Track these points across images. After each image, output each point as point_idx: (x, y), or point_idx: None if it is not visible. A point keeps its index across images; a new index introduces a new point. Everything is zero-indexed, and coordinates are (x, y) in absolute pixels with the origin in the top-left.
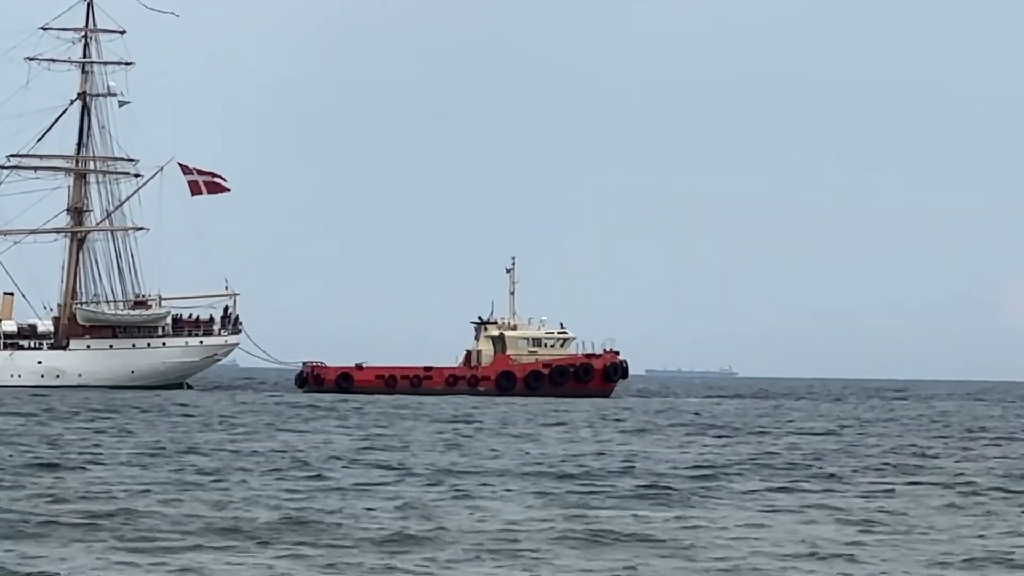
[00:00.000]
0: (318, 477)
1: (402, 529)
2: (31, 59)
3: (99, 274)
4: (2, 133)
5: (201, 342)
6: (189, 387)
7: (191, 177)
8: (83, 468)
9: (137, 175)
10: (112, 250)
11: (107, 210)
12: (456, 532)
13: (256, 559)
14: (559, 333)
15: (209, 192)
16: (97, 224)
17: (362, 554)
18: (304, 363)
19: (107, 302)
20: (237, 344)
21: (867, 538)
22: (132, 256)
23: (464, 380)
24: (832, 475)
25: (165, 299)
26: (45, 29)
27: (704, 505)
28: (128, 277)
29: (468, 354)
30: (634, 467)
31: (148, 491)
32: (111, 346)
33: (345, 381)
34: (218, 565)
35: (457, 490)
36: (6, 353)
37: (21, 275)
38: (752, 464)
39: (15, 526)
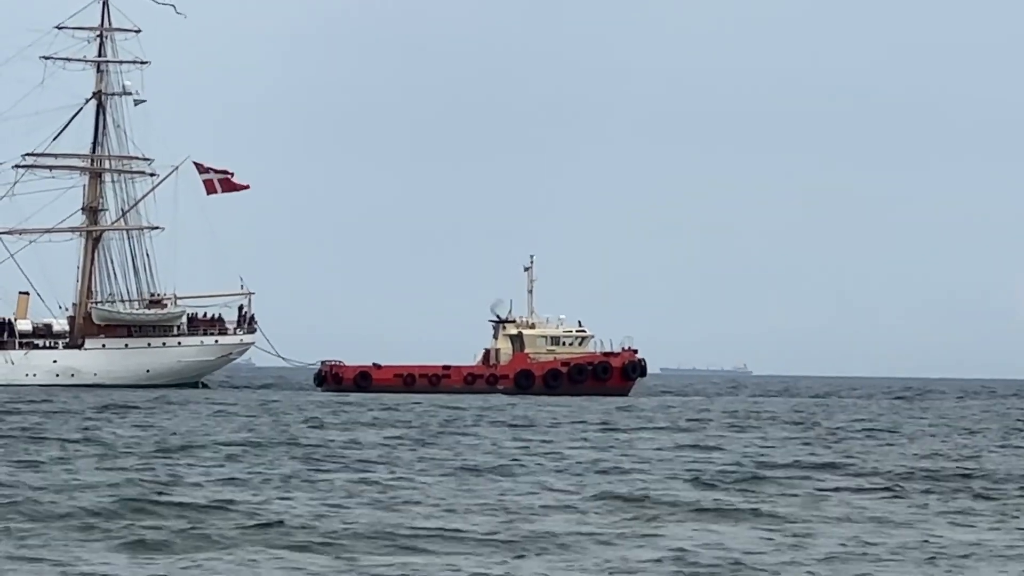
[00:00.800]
0: (364, 474)
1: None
2: (46, 58)
3: (114, 273)
4: (17, 132)
5: (216, 341)
6: (204, 386)
7: (206, 176)
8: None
9: (152, 174)
10: (127, 249)
11: (122, 209)
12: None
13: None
14: (577, 331)
15: (224, 190)
16: (112, 223)
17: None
18: (323, 362)
19: (123, 301)
20: (252, 343)
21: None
22: (148, 255)
23: (483, 379)
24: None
25: (180, 298)
26: (60, 28)
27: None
28: (144, 276)
29: (487, 353)
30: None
31: (208, 485)
32: (126, 345)
33: (364, 380)
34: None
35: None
36: (21, 352)
37: (36, 274)
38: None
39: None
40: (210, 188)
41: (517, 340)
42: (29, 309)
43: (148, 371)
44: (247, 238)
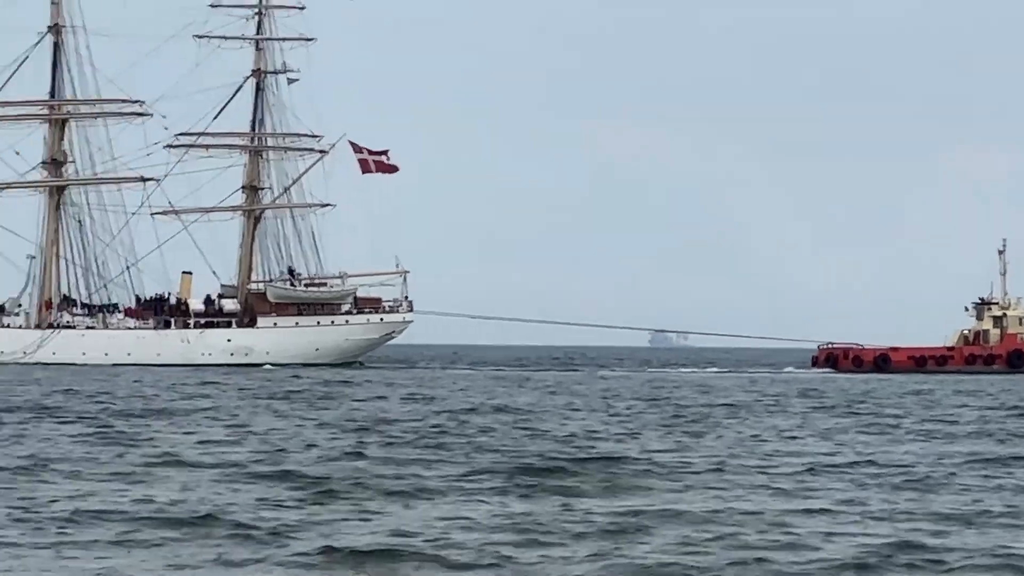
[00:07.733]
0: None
1: None
2: (200, 37)
3: (280, 251)
4: (173, 114)
5: (381, 319)
6: (362, 364)
7: (361, 155)
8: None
9: (322, 151)
10: (291, 228)
11: (284, 187)
12: None
13: None
14: None
15: (378, 171)
16: (274, 200)
17: None
18: (819, 345)
19: (283, 280)
20: (411, 322)
21: None
22: (313, 234)
23: (980, 359)
24: None
25: (348, 277)
26: (214, 7)
27: None
28: (311, 255)
29: (976, 334)
30: None
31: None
32: (297, 324)
33: (884, 362)
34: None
35: None
36: (196, 332)
37: (194, 254)
38: None
39: None
40: (365, 167)
41: (1000, 321)
42: (192, 288)
43: (317, 349)
44: (399, 218)
